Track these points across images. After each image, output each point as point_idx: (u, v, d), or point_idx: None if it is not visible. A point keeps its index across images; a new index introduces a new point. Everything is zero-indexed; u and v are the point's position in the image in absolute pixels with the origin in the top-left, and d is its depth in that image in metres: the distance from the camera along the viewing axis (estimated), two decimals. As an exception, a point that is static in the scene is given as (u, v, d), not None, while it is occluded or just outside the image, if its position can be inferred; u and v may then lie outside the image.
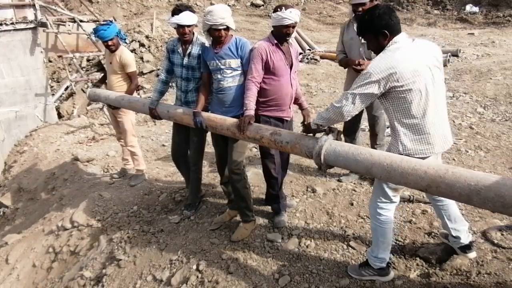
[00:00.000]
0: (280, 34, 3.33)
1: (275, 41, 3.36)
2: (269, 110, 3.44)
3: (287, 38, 3.39)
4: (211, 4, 17.10)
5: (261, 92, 3.39)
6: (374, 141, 4.33)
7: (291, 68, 3.47)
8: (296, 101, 3.67)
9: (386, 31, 2.50)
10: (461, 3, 16.08)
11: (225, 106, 3.52)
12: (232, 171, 3.48)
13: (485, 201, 1.93)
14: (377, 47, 2.58)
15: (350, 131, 4.39)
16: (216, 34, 3.32)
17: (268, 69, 3.35)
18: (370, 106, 4.10)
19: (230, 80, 3.45)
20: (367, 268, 2.92)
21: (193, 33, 3.78)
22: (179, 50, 3.82)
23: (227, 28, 3.34)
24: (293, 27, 3.31)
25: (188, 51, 3.77)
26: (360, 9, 3.95)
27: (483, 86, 7.60)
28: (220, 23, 3.24)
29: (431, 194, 2.22)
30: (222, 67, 3.43)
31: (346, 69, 4.29)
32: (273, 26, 3.37)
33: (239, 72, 3.44)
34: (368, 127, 4.51)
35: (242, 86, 3.41)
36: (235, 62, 3.42)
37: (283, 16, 3.21)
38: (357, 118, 4.12)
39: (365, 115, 4.29)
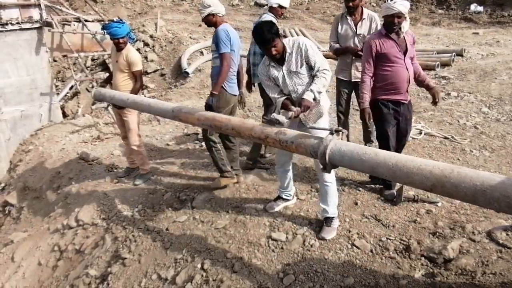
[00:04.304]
0: (387, 24, 3.69)
1: (385, 32, 3.78)
2: (386, 93, 3.84)
3: (394, 27, 3.69)
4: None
5: (379, 78, 3.85)
6: (366, 123, 4.73)
7: (405, 54, 3.79)
8: (422, 84, 4.06)
9: None
10: (466, 3, 16.00)
11: (212, 81, 4.30)
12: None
13: (490, 201, 1.93)
14: (283, 47, 3.23)
15: (346, 112, 4.91)
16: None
17: (381, 57, 3.77)
18: None
19: (214, 61, 4.22)
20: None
21: None
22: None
23: (207, 15, 4.07)
24: (399, 17, 3.63)
25: None
26: (351, 4, 4.39)
27: (488, 86, 7.56)
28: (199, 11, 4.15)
29: (436, 193, 2.22)
30: (212, 49, 4.25)
31: (339, 57, 4.75)
32: (382, 17, 3.76)
33: (217, 55, 4.10)
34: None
35: (217, 68, 4.10)
36: (213, 47, 4.16)
37: (387, 6, 3.60)
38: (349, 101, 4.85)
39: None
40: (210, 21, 4.10)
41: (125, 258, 3.74)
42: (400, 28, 3.73)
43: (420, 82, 4.04)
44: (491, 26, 13.97)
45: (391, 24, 3.67)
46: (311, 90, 3.15)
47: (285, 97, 3.35)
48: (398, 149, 4.05)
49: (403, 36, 3.78)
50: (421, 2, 16.74)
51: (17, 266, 4.67)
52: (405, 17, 3.69)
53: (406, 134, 4.08)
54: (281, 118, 2.87)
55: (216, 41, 4.02)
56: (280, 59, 3.30)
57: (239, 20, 15.28)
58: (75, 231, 4.55)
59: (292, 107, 3.16)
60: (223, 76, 4.04)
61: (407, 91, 3.85)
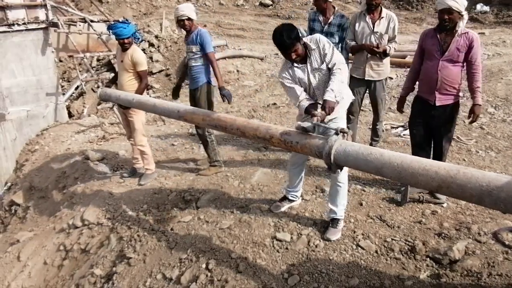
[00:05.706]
0: (438, 19, 3.52)
1: (436, 27, 3.64)
2: (420, 89, 3.89)
3: (445, 24, 3.48)
4: (220, 3, 17.13)
5: (420, 72, 3.85)
6: (376, 119, 4.93)
7: (443, 54, 3.59)
8: (470, 94, 3.75)
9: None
10: (472, 2, 15.88)
11: (192, 80, 4.76)
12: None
13: (496, 201, 1.92)
14: (304, 50, 3.16)
15: (357, 112, 4.92)
16: (181, 24, 4.54)
17: (424, 52, 3.76)
18: (374, 89, 4.71)
19: (193, 61, 4.66)
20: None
21: (333, 7, 4.75)
22: (320, 19, 4.71)
23: (189, 19, 4.52)
24: (449, 12, 3.39)
25: (329, 20, 4.67)
26: (374, 2, 4.38)
27: (494, 86, 7.52)
28: (181, 14, 4.46)
29: (442, 194, 2.21)
30: (188, 51, 4.69)
31: (354, 55, 4.74)
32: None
33: (199, 55, 4.61)
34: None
35: (202, 66, 4.64)
36: (196, 48, 4.60)
37: (439, 1, 3.42)
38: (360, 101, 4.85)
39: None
40: (190, 24, 4.60)
41: (130, 258, 3.75)
42: (453, 27, 3.47)
43: (469, 91, 3.72)
44: (497, 26, 13.89)
45: (439, 20, 3.46)
46: (332, 90, 3.05)
47: (307, 103, 3.18)
48: (434, 156, 3.87)
49: (456, 36, 3.49)
50: (426, 2, 16.67)
51: (23, 265, 4.70)
52: (462, 15, 3.41)
53: (439, 139, 3.83)
54: (307, 125, 2.71)
55: (202, 42, 4.54)
56: (302, 59, 3.22)
57: (243, 20, 15.30)
58: (80, 231, 4.58)
59: (316, 112, 2.99)
60: (220, 71, 4.71)
61: (435, 92, 3.65)
